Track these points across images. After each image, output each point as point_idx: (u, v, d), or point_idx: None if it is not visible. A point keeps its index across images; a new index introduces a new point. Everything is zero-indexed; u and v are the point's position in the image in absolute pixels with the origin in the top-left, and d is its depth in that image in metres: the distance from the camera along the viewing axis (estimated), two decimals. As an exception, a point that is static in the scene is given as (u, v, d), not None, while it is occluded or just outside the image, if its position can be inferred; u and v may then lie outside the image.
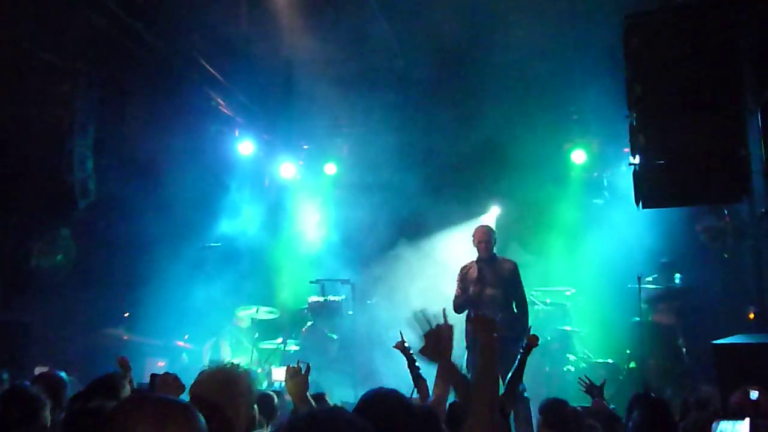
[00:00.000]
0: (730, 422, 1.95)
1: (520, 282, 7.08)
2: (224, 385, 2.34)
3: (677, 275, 8.95)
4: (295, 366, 3.42)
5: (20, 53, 7.64)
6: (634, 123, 5.88)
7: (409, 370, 4.61)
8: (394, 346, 4.68)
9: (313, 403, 3.35)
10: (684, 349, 8.40)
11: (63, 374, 4.51)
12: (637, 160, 5.99)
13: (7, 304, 8.21)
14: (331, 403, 4.61)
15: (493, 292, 6.88)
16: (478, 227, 7.35)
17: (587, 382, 5.14)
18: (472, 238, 7.21)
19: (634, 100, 5.75)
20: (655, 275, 9.03)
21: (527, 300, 7.24)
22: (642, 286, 8.18)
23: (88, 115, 8.09)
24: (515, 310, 6.96)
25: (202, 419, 1.74)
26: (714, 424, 2.04)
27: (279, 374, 3.14)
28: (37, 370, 5.52)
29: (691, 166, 5.69)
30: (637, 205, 5.97)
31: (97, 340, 9.14)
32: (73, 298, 9.14)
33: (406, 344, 4.66)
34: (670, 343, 8.49)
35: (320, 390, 4.90)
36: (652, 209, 6.78)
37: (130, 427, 1.65)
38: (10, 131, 7.55)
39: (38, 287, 8.72)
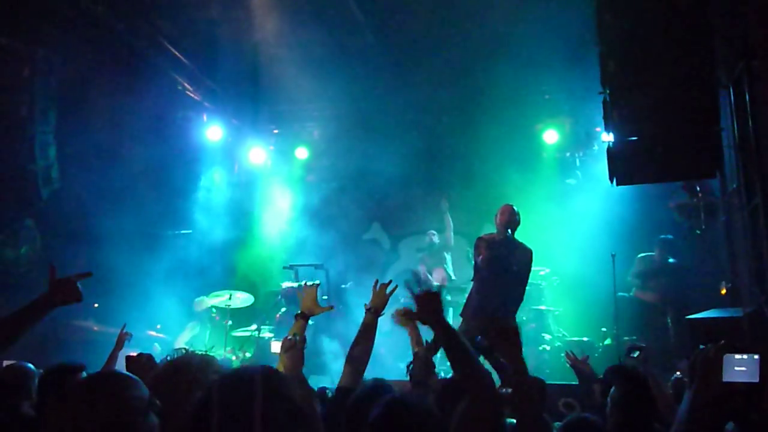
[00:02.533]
0: (744, 355, 1.93)
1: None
2: (177, 373, 2.26)
3: (671, 260, 9.05)
4: (290, 339, 3.31)
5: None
6: (608, 99, 5.84)
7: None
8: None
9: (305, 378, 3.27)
10: (670, 327, 8.49)
11: (31, 366, 4.41)
12: (610, 137, 5.95)
13: (-30, 297, 7.96)
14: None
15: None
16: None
17: (572, 356, 5.17)
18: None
19: (608, 77, 5.70)
20: (652, 253, 9.15)
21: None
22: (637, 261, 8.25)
23: (49, 100, 7.87)
24: None
25: (141, 390, 1.81)
26: (726, 357, 2.02)
27: (277, 347, 3.13)
28: (5, 363, 5.38)
29: (664, 142, 5.67)
30: (611, 181, 5.94)
31: (66, 332, 8.93)
32: (40, 289, 8.90)
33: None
34: (652, 319, 8.58)
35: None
36: (626, 186, 6.78)
37: (62, 398, 1.70)
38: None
39: (2, 279, 8.48)
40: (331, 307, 4.39)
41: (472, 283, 6.76)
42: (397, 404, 2.20)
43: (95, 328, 9.06)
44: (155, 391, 1.89)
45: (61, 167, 7.98)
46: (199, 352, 2.41)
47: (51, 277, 3.11)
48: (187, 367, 2.25)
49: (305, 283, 3.39)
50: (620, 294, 8.62)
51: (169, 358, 2.40)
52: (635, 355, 4.62)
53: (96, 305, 9.34)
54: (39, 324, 7.99)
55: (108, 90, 9.23)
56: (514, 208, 6.97)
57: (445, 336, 2.55)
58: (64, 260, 8.95)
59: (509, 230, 6.72)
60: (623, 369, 4.00)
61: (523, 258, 6.73)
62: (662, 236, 9.12)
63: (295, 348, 3.27)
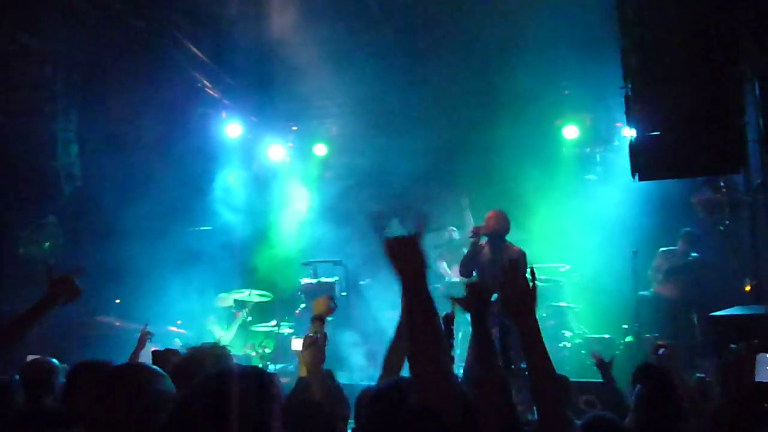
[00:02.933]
0: None
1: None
2: (195, 365, 2.30)
3: (694, 253, 8.91)
4: (312, 335, 3.31)
5: (0, 37, 7.45)
6: (630, 94, 5.78)
7: None
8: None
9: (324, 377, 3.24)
10: (696, 324, 8.37)
11: (55, 361, 4.45)
12: (632, 132, 5.89)
13: (-4, 293, 8.08)
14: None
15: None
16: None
17: (599, 356, 5.12)
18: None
19: (630, 71, 5.64)
20: (674, 247, 9.02)
21: None
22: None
23: (70, 99, 7.94)
24: None
25: (161, 384, 1.84)
26: (760, 356, 1.98)
27: (297, 344, 3.11)
28: (29, 359, 5.45)
29: (687, 136, 5.60)
30: (633, 177, 5.89)
31: (88, 327, 9.03)
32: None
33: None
34: (675, 316, 8.48)
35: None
36: (648, 182, 6.71)
37: (82, 390, 1.73)
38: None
39: (27, 276, 8.58)
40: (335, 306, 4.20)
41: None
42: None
43: (117, 324, 9.14)
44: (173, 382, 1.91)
45: (83, 164, 8.05)
46: (210, 344, 2.43)
47: (49, 276, 3.12)
48: (201, 359, 2.28)
49: (306, 335, 3.31)
50: (641, 293, 8.54)
51: (185, 350, 2.43)
52: (661, 353, 4.56)
53: (118, 301, 9.45)
54: (63, 319, 8.09)
55: (128, 88, 9.30)
56: (502, 212, 7.20)
57: (479, 330, 2.52)
58: (86, 256, 9.06)
59: (498, 235, 6.96)
60: (649, 367, 3.96)
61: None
62: (686, 229, 9.00)
63: (316, 345, 3.27)
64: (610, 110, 9.83)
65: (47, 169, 7.50)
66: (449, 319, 4.02)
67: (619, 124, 9.86)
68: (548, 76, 9.83)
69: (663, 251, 9.09)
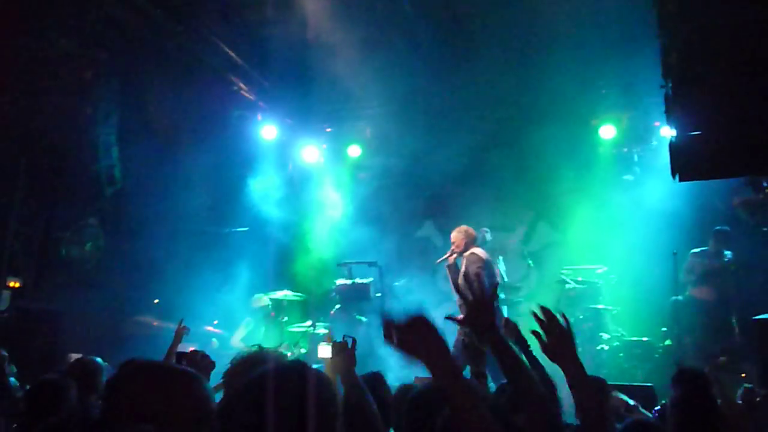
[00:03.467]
0: None
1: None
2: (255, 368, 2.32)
3: (726, 252, 8.69)
4: (341, 341, 3.29)
5: (42, 43, 7.64)
6: (670, 93, 5.67)
7: None
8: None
9: (359, 380, 3.20)
10: (736, 327, 8.17)
11: (99, 360, 4.53)
12: (672, 131, 5.78)
13: (39, 293, 8.27)
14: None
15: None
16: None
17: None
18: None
19: (670, 69, 5.54)
20: (706, 248, 8.78)
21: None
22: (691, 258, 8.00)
23: (111, 103, 8.11)
24: None
25: (208, 390, 1.84)
26: None
27: (324, 351, 3.08)
28: (73, 357, 5.57)
29: (729, 136, 5.47)
30: (673, 177, 5.77)
31: (127, 327, 9.20)
32: (103, 286, 9.19)
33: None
34: (713, 319, 8.29)
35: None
36: (688, 183, 6.59)
37: (135, 392, 1.71)
38: (36, 121, 7.57)
39: (68, 276, 8.78)
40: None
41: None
42: None
43: (155, 323, 9.30)
44: (230, 385, 1.94)
45: (123, 167, 8.21)
46: (272, 349, 2.46)
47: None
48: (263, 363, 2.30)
49: (335, 342, 3.26)
50: (674, 298, 8.37)
51: (239, 354, 2.45)
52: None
53: (156, 301, 9.61)
54: (103, 319, 8.26)
55: (166, 91, 9.45)
56: (460, 228, 7.95)
57: (496, 347, 2.40)
58: (125, 257, 9.24)
59: (462, 252, 7.68)
60: (684, 372, 3.90)
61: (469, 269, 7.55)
62: (717, 227, 8.77)
63: (346, 351, 3.25)
64: (648, 109, 9.68)
65: (89, 171, 7.67)
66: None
67: (657, 124, 9.69)
68: (585, 75, 9.71)
69: (694, 252, 8.85)
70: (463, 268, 7.69)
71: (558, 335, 2.28)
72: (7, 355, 5.59)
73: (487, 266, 7.71)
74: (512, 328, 3.97)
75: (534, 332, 2.31)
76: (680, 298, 8.58)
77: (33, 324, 7.46)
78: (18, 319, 7.42)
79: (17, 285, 8.01)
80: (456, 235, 7.90)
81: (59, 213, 8.58)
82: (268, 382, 1.76)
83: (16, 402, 4.27)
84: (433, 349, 1.81)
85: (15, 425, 4.00)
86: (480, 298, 2.41)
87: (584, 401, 2.16)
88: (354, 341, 3.32)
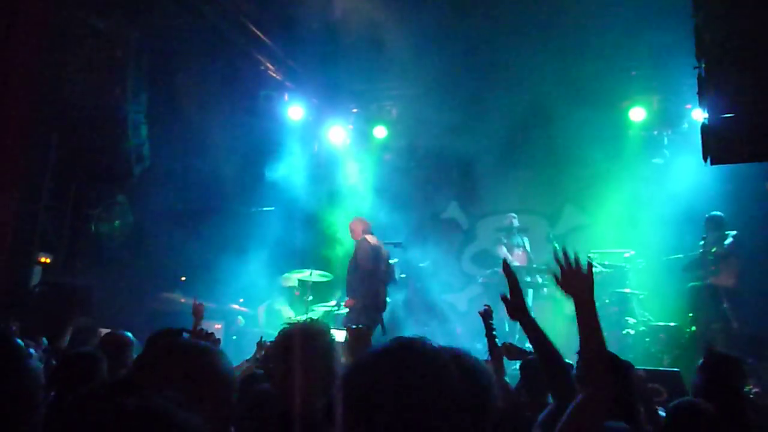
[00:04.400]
0: None
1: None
2: (312, 339, 2.38)
3: (729, 233, 8.47)
4: (356, 327, 3.36)
5: (73, 21, 7.71)
6: (703, 74, 5.54)
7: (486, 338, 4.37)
8: (480, 312, 4.41)
9: None
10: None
11: (129, 334, 4.61)
12: (705, 113, 5.67)
13: (70, 269, 8.42)
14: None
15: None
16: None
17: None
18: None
19: (704, 50, 5.41)
20: (704, 236, 8.56)
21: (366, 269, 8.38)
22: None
23: (140, 81, 8.16)
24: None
25: (228, 364, 1.87)
26: None
27: (338, 336, 3.09)
28: (103, 332, 5.67)
29: (764, 118, 5.35)
30: (705, 161, 5.66)
31: (155, 303, 9.34)
32: (131, 263, 9.34)
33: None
34: (737, 305, 8.14)
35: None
36: (720, 166, 6.45)
37: (160, 369, 1.69)
38: (67, 99, 7.66)
39: (97, 253, 8.92)
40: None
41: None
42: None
43: (182, 300, 9.41)
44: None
45: (151, 146, 8.29)
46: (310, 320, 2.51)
47: None
48: (321, 333, 2.36)
49: (350, 327, 3.30)
50: (692, 284, 8.24)
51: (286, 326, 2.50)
52: None
53: (183, 278, 9.73)
54: (131, 295, 8.41)
55: (194, 71, 9.51)
56: (353, 219, 8.76)
57: (587, 318, 2.23)
58: (153, 235, 9.36)
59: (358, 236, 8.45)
60: (712, 356, 3.86)
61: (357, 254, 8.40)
62: (708, 214, 8.54)
63: (364, 336, 3.31)
64: (679, 91, 9.51)
65: (118, 149, 7.75)
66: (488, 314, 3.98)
67: (689, 106, 9.52)
68: (615, 57, 9.57)
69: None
70: (356, 253, 8.39)
71: (573, 269, 2.32)
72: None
73: (373, 252, 8.37)
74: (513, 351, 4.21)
75: (552, 272, 2.36)
76: (698, 284, 8.43)
77: (63, 299, 7.59)
78: (49, 293, 7.56)
79: (48, 261, 8.16)
80: (352, 223, 8.69)
81: (89, 190, 8.70)
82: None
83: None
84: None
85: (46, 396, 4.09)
86: (571, 266, 2.35)
87: (589, 335, 2.18)
88: (368, 327, 3.41)
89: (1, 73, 6.56)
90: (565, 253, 2.37)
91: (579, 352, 2.23)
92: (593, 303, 2.24)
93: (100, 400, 1.12)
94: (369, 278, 8.24)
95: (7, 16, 6.63)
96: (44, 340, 5.78)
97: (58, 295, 7.47)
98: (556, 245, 2.44)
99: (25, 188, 7.43)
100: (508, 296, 2.74)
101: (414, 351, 1.67)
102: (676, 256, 8.91)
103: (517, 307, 2.70)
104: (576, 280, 2.28)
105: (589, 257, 2.47)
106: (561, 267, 2.34)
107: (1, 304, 6.70)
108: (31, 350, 4.62)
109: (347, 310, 8.41)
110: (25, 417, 1.82)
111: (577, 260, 2.34)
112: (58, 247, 8.28)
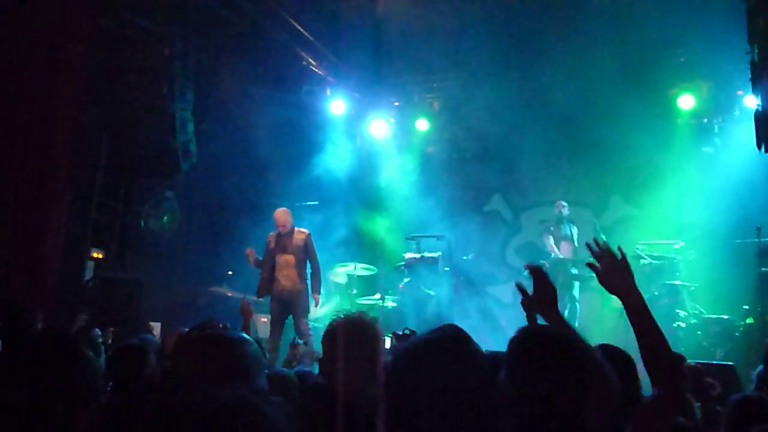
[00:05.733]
0: None
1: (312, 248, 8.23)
2: (359, 330, 2.44)
3: None
4: (402, 333, 3.40)
5: (120, 22, 7.90)
6: (756, 59, 5.38)
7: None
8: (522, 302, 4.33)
9: None
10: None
11: (150, 337, 4.78)
12: (758, 100, 5.50)
13: (122, 263, 8.64)
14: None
15: (288, 257, 8.08)
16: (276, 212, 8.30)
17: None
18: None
19: (757, 34, 5.25)
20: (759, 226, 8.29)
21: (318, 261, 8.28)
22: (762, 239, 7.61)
23: (186, 79, 8.32)
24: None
25: (251, 349, 1.92)
26: None
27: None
28: (151, 326, 5.84)
29: (821, 104, 5.17)
30: (759, 149, 5.52)
31: (203, 297, 9.53)
32: (179, 257, 9.55)
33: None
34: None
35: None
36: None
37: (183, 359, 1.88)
38: (116, 97, 7.86)
39: (147, 248, 9.14)
40: None
41: None
42: None
43: (228, 294, 9.58)
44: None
45: (198, 142, 8.45)
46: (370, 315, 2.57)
47: None
48: (369, 325, 2.41)
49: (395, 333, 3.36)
50: (764, 269, 7.98)
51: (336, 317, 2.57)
52: None
53: (230, 273, 9.89)
54: (180, 288, 8.60)
55: (238, 68, 9.64)
56: (280, 211, 8.26)
57: (636, 313, 2.10)
58: (200, 230, 9.56)
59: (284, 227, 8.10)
60: None
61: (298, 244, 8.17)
62: None
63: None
64: (730, 77, 9.22)
65: (166, 146, 7.93)
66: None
67: (740, 93, 9.23)
68: (663, 43, 9.35)
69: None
70: (299, 244, 8.13)
71: (611, 262, 2.16)
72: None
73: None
74: None
75: (589, 264, 2.21)
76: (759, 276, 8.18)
77: (115, 292, 7.81)
78: (101, 288, 7.78)
79: (100, 256, 8.40)
80: (281, 216, 8.22)
81: (138, 187, 8.92)
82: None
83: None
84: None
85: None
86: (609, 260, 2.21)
87: (644, 334, 2.04)
88: (413, 333, 3.44)
89: (51, 73, 6.77)
90: (599, 245, 2.21)
91: (641, 356, 2.09)
92: (641, 298, 2.08)
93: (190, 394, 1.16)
94: (317, 273, 8.22)
95: (57, 18, 6.83)
96: (97, 330, 5.97)
97: (110, 289, 7.69)
98: (597, 238, 2.30)
99: (78, 186, 7.66)
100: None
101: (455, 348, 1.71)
102: (744, 241, 8.50)
103: (540, 301, 2.43)
104: (617, 276, 2.13)
105: (619, 248, 2.26)
106: (598, 261, 2.19)
107: (60, 298, 6.92)
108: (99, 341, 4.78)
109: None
110: (85, 407, 1.88)
111: (610, 251, 2.19)
112: (109, 242, 8.51)
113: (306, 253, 8.18)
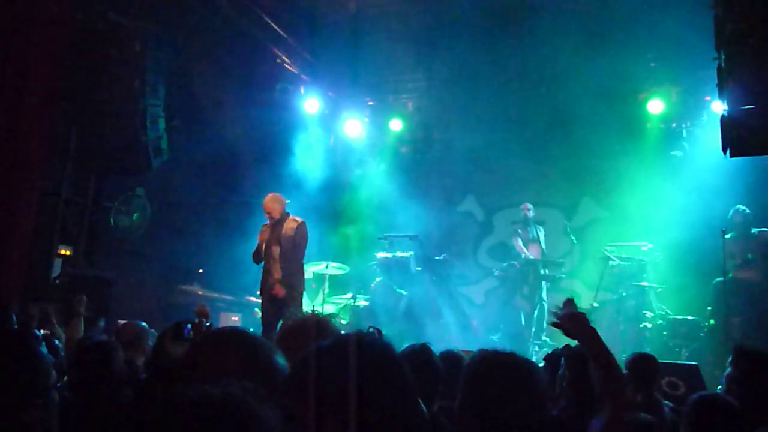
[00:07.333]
0: None
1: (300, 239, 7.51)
2: (303, 332, 2.41)
3: (754, 230, 8.41)
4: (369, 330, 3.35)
5: (92, 16, 7.78)
6: (723, 65, 5.49)
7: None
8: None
9: None
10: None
11: (144, 324, 4.74)
12: (724, 105, 5.61)
13: (91, 261, 8.52)
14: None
15: (276, 248, 7.41)
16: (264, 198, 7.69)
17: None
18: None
19: (724, 40, 5.35)
20: (723, 229, 8.42)
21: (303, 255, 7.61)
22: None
23: (158, 75, 8.21)
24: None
25: (258, 343, 1.91)
26: None
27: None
28: (120, 323, 5.77)
29: (785, 110, 5.29)
30: (724, 153, 5.62)
31: (173, 295, 9.44)
32: (150, 255, 9.43)
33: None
34: (758, 300, 8.03)
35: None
36: (739, 159, 6.38)
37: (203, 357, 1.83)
38: (86, 93, 7.74)
39: (116, 245, 9.01)
40: None
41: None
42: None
43: (200, 292, 9.51)
44: (282, 344, 2.00)
45: (169, 139, 8.35)
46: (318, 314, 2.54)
47: None
48: (311, 325, 2.39)
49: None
50: (717, 280, 8.10)
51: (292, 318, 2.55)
52: None
53: (201, 271, 9.81)
54: (150, 287, 8.50)
55: (211, 64, 9.56)
56: (270, 196, 7.64)
57: (595, 350, 2.43)
58: (170, 227, 9.45)
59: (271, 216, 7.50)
60: (742, 350, 3.82)
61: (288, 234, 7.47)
62: (734, 208, 8.45)
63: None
64: (698, 83, 9.39)
65: (137, 142, 7.82)
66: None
67: (708, 98, 9.41)
68: (633, 48, 9.49)
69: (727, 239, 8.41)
70: (290, 233, 7.45)
71: (571, 319, 2.49)
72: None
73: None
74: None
75: (554, 324, 2.53)
76: (721, 279, 8.31)
77: (83, 290, 7.69)
78: (69, 285, 7.66)
79: (68, 253, 8.26)
80: (268, 203, 7.58)
81: (108, 183, 8.79)
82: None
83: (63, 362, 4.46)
84: (588, 331, 2.42)
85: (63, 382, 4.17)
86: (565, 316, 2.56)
87: (602, 367, 2.36)
88: (379, 331, 3.40)
89: (20, 67, 6.65)
90: (557, 309, 2.59)
91: (600, 387, 2.40)
92: (598, 338, 2.41)
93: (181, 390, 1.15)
94: (301, 265, 7.58)
95: (26, 11, 6.71)
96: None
97: (78, 286, 7.56)
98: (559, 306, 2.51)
99: (46, 181, 7.53)
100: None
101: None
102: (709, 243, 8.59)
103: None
104: (578, 327, 2.45)
105: (569, 298, 2.69)
106: (558, 321, 2.53)
107: (24, 295, 6.80)
108: (55, 342, 4.72)
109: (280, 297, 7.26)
110: (32, 402, 1.86)
111: (570, 310, 2.55)
112: (77, 239, 8.38)
113: (294, 243, 7.41)
